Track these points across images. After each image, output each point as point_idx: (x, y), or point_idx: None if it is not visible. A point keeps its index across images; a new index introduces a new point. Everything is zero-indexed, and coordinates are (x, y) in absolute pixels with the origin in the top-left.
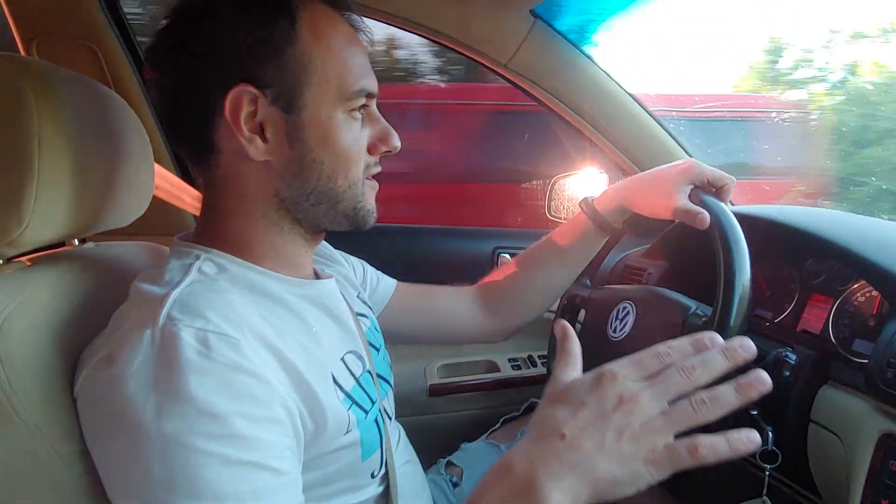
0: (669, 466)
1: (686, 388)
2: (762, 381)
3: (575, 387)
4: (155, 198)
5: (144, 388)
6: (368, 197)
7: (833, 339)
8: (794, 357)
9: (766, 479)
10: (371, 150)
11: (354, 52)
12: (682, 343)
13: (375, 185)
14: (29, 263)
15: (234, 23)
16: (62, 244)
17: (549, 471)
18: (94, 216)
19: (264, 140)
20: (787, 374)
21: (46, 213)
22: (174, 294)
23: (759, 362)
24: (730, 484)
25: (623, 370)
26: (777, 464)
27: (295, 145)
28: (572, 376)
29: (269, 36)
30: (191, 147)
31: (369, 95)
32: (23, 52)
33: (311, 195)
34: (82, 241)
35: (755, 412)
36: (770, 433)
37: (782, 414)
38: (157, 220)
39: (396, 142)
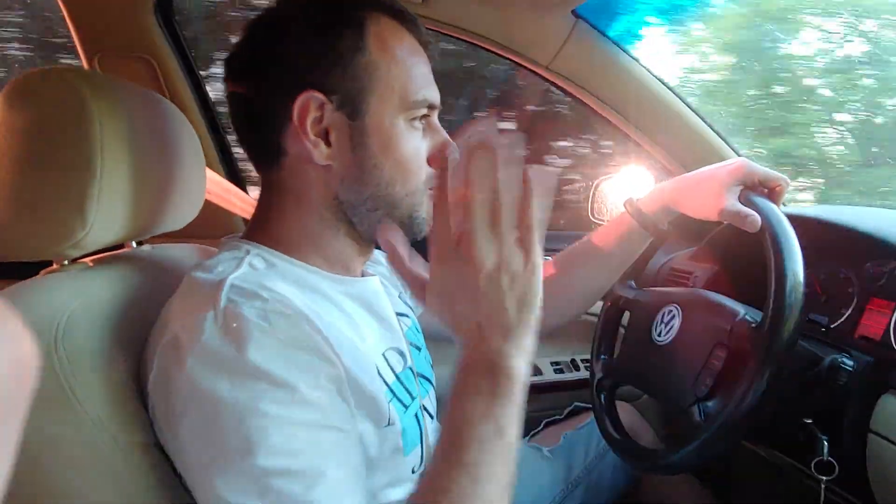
0: (532, 241)
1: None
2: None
3: (447, 287)
4: (206, 202)
5: (214, 364)
6: (427, 206)
7: (895, 346)
8: (851, 363)
9: (823, 491)
10: (430, 161)
11: (418, 62)
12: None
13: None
14: (91, 264)
15: (304, 33)
16: (121, 246)
17: (492, 349)
18: (151, 220)
19: (328, 144)
20: (844, 381)
21: (108, 216)
22: (230, 279)
23: (813, 369)
24: (785, 496)
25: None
26: (834, 476)
27: (357, 150)
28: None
29: (337, 45)
30: (258, 150)
31: (431, 106)
32: (86, 66)
33: (368, 200)
34: (139, 243)
35: (810, 421)
36: (825, 443)
37: (839, 423)
38: (209, 224)
39: (455, 154)
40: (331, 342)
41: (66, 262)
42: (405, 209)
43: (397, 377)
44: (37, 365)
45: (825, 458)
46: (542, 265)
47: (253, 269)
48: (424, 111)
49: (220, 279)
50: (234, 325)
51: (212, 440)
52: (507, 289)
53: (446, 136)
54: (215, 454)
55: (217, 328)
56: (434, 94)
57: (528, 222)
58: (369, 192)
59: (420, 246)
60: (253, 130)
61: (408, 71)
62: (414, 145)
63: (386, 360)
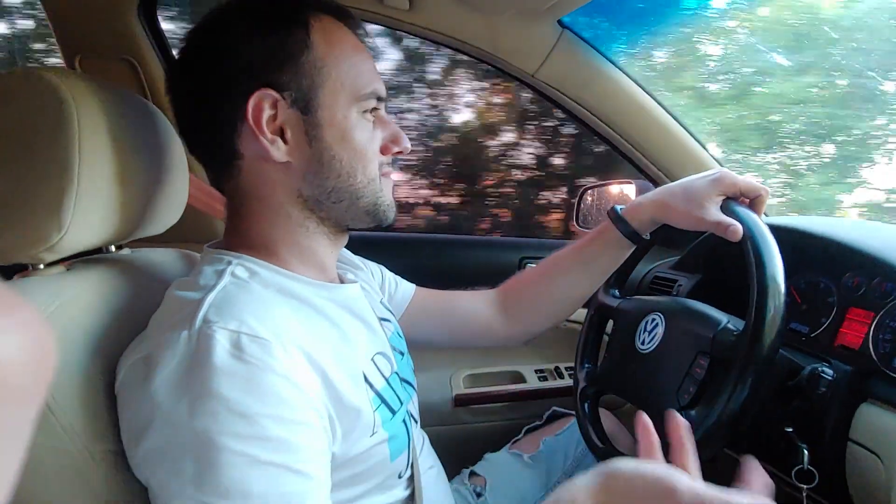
0: None
1: None
2: None
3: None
4: (188, 206)
5: (178, 387)
6: (387, 192)
7: (873, 355)
8: (830, 372)
9: (804, 499)
10: (384, 150)
11: (363, 58)
12: None
13: (392, 181)
14: (67, 268)
15: (254, 33)
16: (99, 250)
17: None
18: (131, 224)
19: (285, 141)
20: (824, 389)
21: (85, 219)
22: (210, 297)
23: (793, 378)
24: None
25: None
26: (814, 484)
27: (314, 144)
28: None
29: (286, 43)
30: (215, 156)
31: (380, 98)
32: (67, 67)
33: (332, 192)
34: (118, 247)
35: (790, 430)
36: (805, 452)
37: (819, 432)
38: (191, 229)
39: (407, 143)
40: (314, 358)
41: (40, 266)
42: (369, 197)
43: (387, 381)
44: (55, 349)
45: (805, 467)
46: None
47: (236, 279)
48: (374, 103)
49: (200, 297)
50: (204, 348)
51: (167, 463)
52: None
53: (396, 126)
54: (170, 478)
55: (187, 351)
56: (381, 87)
57: None
58: (332, 185)
59: (394, 247)
60: (206, 134)
61: (354, 65)
62: (367, 135)
63: (375, 364)
